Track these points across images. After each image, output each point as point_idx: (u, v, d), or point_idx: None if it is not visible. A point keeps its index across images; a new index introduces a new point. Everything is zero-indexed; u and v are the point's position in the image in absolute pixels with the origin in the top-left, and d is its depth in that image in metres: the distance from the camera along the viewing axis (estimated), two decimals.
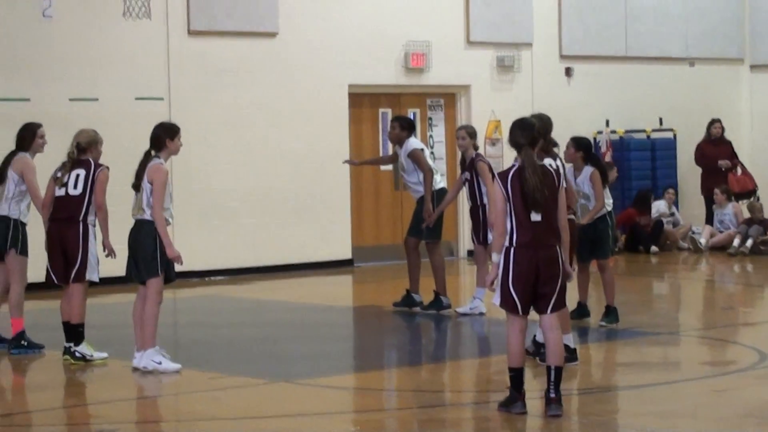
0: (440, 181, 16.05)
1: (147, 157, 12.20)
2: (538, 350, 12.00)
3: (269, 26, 20.44)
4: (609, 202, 14.61)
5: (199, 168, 19.33)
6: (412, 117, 21.52)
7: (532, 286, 10.06)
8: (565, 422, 9.97)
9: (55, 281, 13.00)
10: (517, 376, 10.13)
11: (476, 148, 15.51)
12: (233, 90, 19.99)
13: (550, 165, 10.72)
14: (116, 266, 12.79)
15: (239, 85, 20.05)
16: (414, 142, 16.08)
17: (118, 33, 18.36)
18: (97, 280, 13.01)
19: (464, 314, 15.50)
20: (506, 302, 10.09)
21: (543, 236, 10.07)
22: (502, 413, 10.17)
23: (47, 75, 18.56)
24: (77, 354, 12.78)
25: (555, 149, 12.41)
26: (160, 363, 12.21)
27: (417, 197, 15.88)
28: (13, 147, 13.63)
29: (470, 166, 15.38)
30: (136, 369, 12.21)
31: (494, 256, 10.18)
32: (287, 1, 20.54)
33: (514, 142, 10.24)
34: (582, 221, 14.23)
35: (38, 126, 13.64)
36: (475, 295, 15.57)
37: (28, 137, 13.54)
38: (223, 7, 19.83)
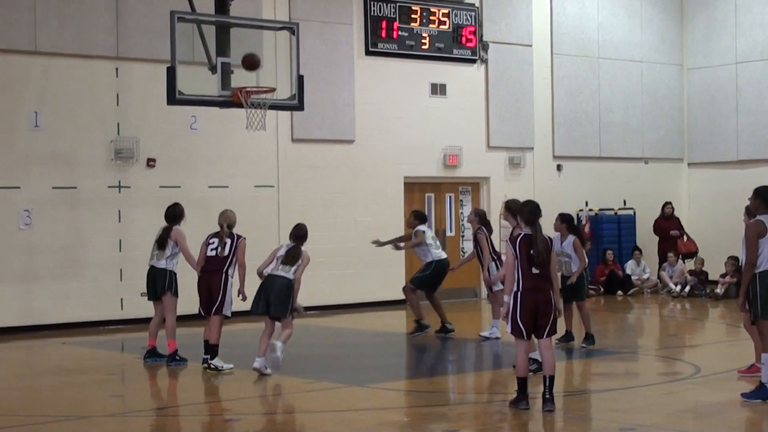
0: (442, 253, 16.05)
1: (297, 247, 12.76)
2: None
3: (348, 135, 20.56)
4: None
5: None
6: (448, 200, 21.63)
7: (533, 318, 10.05)
8: (555, 416, 9.92)
9: (203, 313, 13.10)
10: (523, 383, 10.10)
11: (485, 224, 15.39)
12: (322, 180, 20.11)
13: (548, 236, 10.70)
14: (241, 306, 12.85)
15: (326, 177, 20.16)
16: (421, 227, 16.08)
17: (243, 140, 18.52)
18: (229, 315, 13.09)
19: (486, 338, 15.42)
20: (516, 330, 10.08)
21: (541, 284, 10.06)
22: (512, 409, 10.13)
23: (193, 169, 18.74)
24: (212, 365, 12.85)
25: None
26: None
27: (423, 262, 16.05)
28: (162, 220, 13.74)
29: (474, 237, 15.37)
30: (256, 369, 12.35)
31: (505, 297, 10.18)
32: (361, 117, 20.67)
33: (526, 218, 10.22)
34: (572, 279, 14.16)
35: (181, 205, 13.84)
36: (493, 324, 15.52)
37: (179, 214, 13.68)
38: (316, 122, 19.98)
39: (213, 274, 12.99)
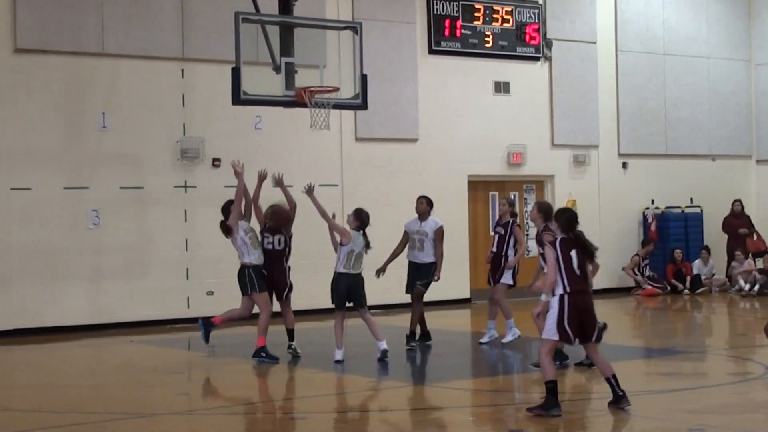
0: None
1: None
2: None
3: (411, 134, 20.55)
4: None
5: None
6: (513, 198, 21.46)
7: (580, 322, 9.76)
8: (621, 416, 9.79)
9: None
10: (553, 387, 9.66)
11: (513, 215, 14.70)
12: (386, 179, 20.09)
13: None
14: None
15: (390, 176, 20.15)
16: (439, 220, 14.91)
17: (307, 139, 18.58)
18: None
19: (485, 342, 14.84)
20: (564, 336, 9.70)
21: (585, 286, 9.81)
22: (538, 414, 9.57)
23: (257, 168, 18.75)
24: (292, 347, 13.66)
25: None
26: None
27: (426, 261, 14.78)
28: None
29: (507, 226, 14.54)
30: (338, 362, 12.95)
31: (543, 297, 9.81)
32: (425, 116, 20.65)
33: (563, 226, 9.90)
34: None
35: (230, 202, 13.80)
36: (490, 327, 14.93)
37: (227, 231, 13.58)
38: (379, 121, 19.98)
39: (274, 266, 13.50)
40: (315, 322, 16.11)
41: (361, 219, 13.36)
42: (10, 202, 17.01)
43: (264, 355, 13.27)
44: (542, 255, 11.78)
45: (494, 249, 14.75)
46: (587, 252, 9.85)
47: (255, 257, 13.35)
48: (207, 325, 13.64)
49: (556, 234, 10.09)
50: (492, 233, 15.10)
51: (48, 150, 17.29)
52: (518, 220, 15.08)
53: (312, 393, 11.62)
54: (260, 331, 13.35)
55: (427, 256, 14.84)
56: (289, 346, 13.69)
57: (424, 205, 14.94)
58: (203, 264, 17.89)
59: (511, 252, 14.63)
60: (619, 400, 9.83)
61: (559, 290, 9.71)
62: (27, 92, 17.17)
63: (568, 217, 10.03)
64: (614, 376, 9.86)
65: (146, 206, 17.98)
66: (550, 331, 9.73)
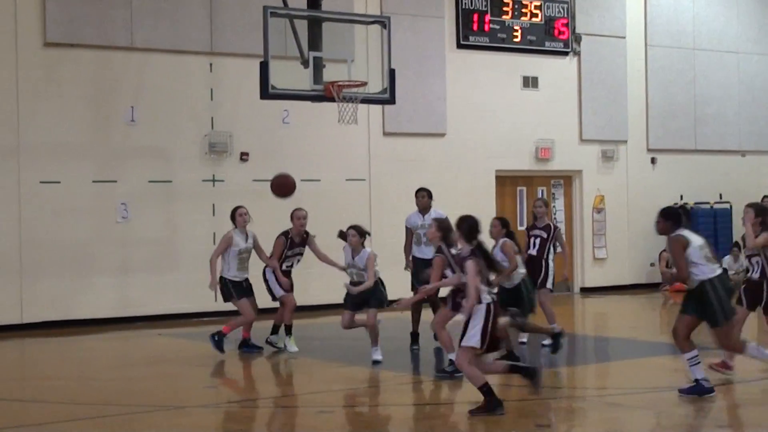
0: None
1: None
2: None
3: (440, 129, 20.55)
4: (522, 271, 12.94)
5: (390, 227, 19.42)
6: (540, 194, 21.36)
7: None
8: (646, 412, 9.76)
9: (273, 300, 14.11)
10: (489, 388, 9.58)
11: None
12: (414, 174, 20.07)
13: None
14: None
15: (418, 170, 20.14)
16: (441, 212, 14.28)
17: (334, 133, 18.61)
18: (277, 296, 13.96)
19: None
20: (485, 344, 9.52)
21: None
22: (482, 417, 9.53)
23: (285, 163, 18.84)
24: (267, 339, 14.00)
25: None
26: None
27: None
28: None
29: (549, 230, 14.14)
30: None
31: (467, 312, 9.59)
32: (452, 111, 20.64)
33: (465, 235, 9.69)
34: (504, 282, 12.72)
35: (238, 207, 14.18)
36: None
37: (232, 216, 14.14)
38: (407, 115, 20.00)
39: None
40: (335, 317, 16.13)
41: (362, 234, 13.16)
42: (40, 195, 17.14)
43: (217, 339, 13.63)
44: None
45: (534, 252, 14.14)
46: (492, 267, 9.71)
47: (234, 274, 13.79)
48: (216, 336, 13.79)
49: (457, 243, 9.87)
50: (528, 236, 14.38)
51: (77, 143, 17.41)
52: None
53: (338, 387, 11.65)
54: (231, 324, 13.78)
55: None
56: (267, 339, 14.07)
57: (427, 199, 14.52)
58: None
59: (551, 256, 14.20)
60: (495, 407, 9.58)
61: (487, 299, 9.49)
62: (56, 86, 17.30)
63: (469, 225, 9.75)
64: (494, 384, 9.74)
65: (174, 200, 18.08)
66: (474, 339, 9.48)
